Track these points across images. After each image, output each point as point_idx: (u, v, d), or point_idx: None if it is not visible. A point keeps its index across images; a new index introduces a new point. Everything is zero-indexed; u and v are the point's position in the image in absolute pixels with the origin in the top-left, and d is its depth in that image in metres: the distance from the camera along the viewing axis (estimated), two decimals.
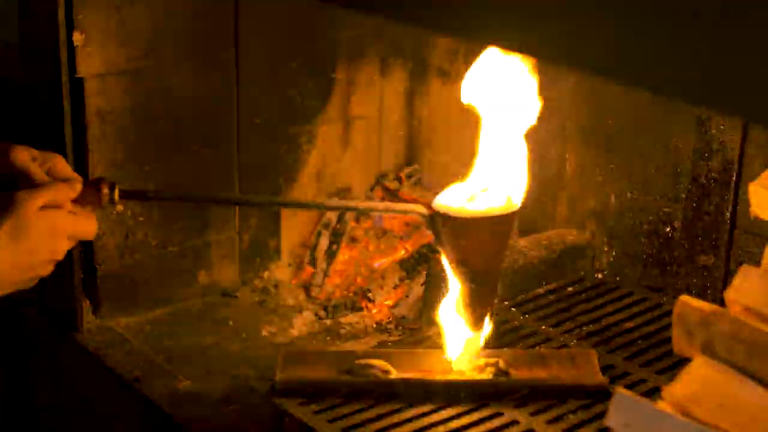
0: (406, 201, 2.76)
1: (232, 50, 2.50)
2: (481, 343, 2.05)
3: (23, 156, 1.69)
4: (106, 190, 1.75)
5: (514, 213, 1.96)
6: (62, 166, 1.75)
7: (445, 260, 1.98)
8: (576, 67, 1.55)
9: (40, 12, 2.31)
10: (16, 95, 2.53)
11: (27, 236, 1.62)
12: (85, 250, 2.42)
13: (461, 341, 2.04)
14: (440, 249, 1.97)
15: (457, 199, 1.96)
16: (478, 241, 1.95)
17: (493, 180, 1.98)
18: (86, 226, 1.72)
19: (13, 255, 1.62)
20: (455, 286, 2.00)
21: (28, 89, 2.46)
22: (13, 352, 2.72)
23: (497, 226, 1.96)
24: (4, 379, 2.77)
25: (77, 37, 2.29)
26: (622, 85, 1.39)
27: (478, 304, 2.00)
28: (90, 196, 1.75)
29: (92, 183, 1.76)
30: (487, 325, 2.04)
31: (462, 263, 1.96)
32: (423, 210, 1.94)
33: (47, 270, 1.70)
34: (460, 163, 2.07)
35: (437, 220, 1.92)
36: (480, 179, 1.99)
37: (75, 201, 1.72)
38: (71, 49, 2.30)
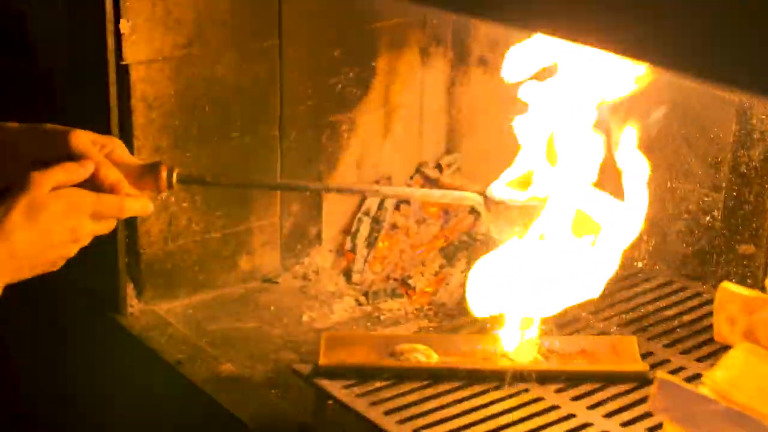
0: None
1: (276, 39, 2.52)
2: (534, 331, 2.07)
3: (83, 140, 1.69)
4: (164, 174, 1.72)
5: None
6: (121, 150, 1.75)
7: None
8: (621, 55, 1.55)
9: (88, 0, 2.34)
10: (61, 82, 2.56)
11: (42, 216, 1.59)
12: (129, 234, 2.46)
13: (511, 329, 2.06)
14: (495, 236, 1.98)
15: (510, 186, 1.97)
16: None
17: (547, 167, 1.99)
18: (123, 204, 1.68)
19: (31, 235, 1.59)
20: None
21: (74, 76, 2.49)
22: (55, 334, 2.75)
23: None
24: (46, 361, 2.80)
25: (124, 25, 2.32)
26: (666, 73, 1.39)
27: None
28: (148, 179, 1.72)
29: (151, 167, 1.74)
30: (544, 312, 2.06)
31: None
32: (478, 198, 1.95)
33: (70, 251, 1.66)
34: (500, 152, 2.08)
35: (492, 208, 1.94)
36: (530, 166, 2.00)
37: (133, 184, 1.70)
38: (118, 36, 2.32)
